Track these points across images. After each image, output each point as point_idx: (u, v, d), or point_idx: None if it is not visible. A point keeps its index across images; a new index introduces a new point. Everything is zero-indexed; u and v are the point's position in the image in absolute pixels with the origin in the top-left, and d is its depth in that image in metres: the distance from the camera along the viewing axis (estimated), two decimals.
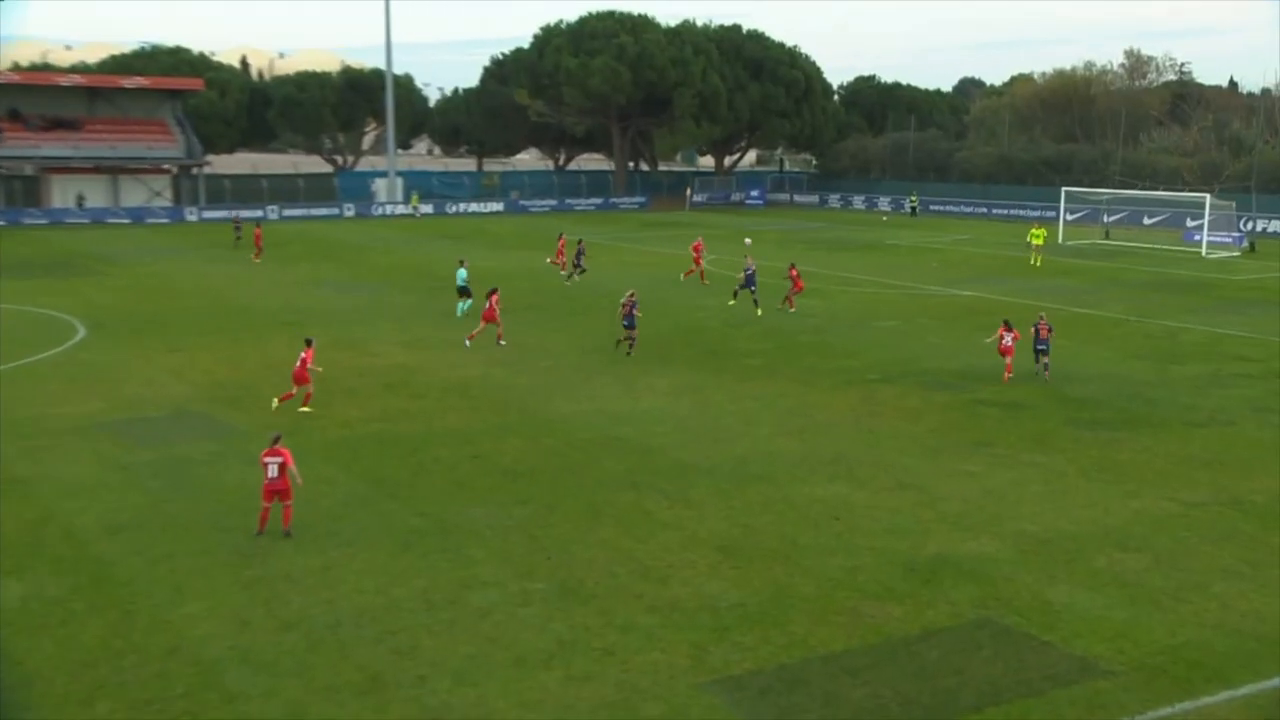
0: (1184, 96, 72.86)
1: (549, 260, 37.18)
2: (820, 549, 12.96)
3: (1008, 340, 21.89)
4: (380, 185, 67.10)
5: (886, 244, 49.87)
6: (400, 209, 64.33)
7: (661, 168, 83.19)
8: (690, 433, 17.75)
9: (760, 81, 75.32)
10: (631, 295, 23.38)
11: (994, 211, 68.79)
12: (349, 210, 63.04)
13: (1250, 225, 53.43)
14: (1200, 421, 18.41)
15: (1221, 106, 70.08)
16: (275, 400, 18.38)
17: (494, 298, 23.46)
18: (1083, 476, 15.60)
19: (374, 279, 34.92)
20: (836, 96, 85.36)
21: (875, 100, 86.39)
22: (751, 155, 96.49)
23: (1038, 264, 40.41)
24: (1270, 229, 54.63)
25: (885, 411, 19.28)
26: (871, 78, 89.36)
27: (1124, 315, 29.76)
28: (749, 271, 29.29)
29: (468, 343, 23.38)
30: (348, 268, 38.02)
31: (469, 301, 27.60)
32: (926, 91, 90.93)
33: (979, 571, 12.28)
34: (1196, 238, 49.46)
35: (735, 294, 30.14)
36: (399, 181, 66.75)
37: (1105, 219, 56.08)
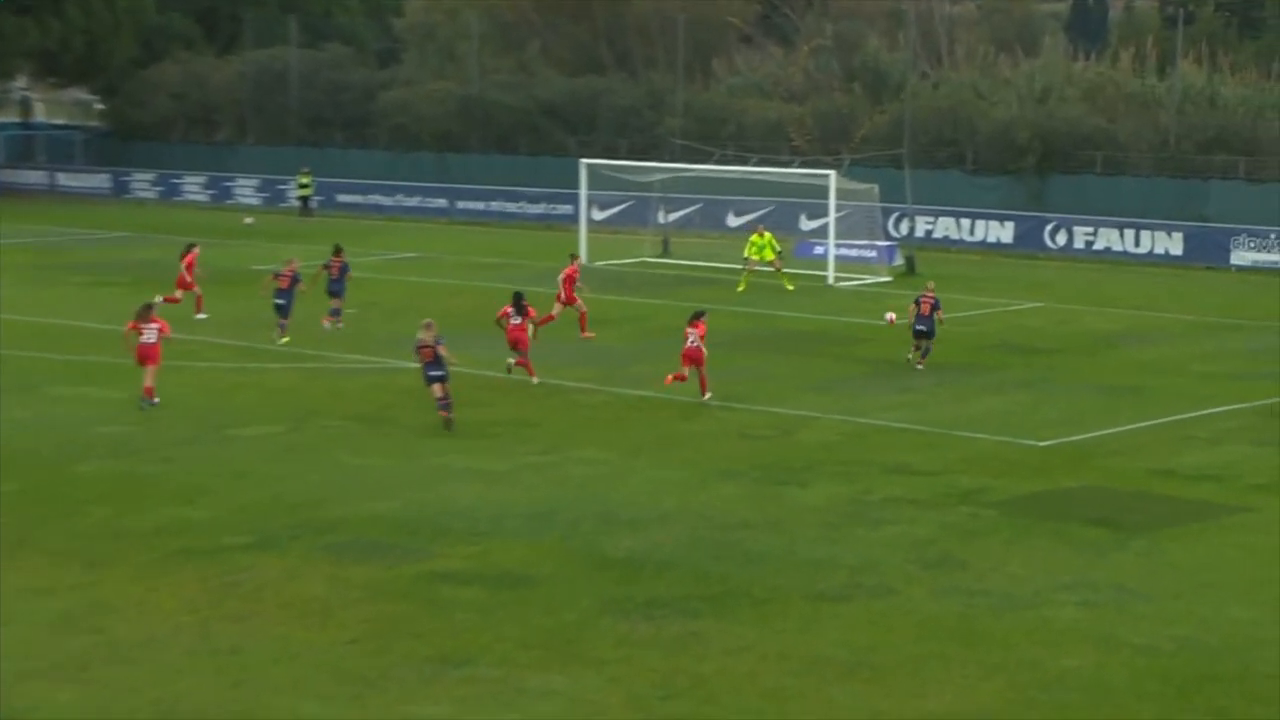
0: None
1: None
2: None
3: (694, 337, 32.20)
4: None
5: (250, 269, 51.06)
6: None
7: None
8: None
9: None
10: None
11: (459, 205, 73.53)
12: None
13: (906, 225, 62.52)
14: (836, 592, 20.72)
15: (845, 13, 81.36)
16: None
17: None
18: (636, 709, 16.95)
19: None
20: None
21: None
22: None
23: (743, 288, 49.24)
24: (936, 233, 64.02)
25: (262, 609, 19.52)
26: None
27: (697, 398, 33.25)
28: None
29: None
30: None
31: None
32: None
33: None
34: (819, 250, 56.81)
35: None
36: None
37: (662, 217, 62.33)
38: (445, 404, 29.87)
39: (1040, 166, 64.70)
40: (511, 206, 71.90)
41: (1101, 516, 24.47)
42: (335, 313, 41.15)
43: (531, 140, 75.56)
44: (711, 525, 23.58)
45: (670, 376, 32.49)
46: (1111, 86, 69.09)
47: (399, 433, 29.46)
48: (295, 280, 39.72)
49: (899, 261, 56.72)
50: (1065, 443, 29.67)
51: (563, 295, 40.63)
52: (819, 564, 21.79)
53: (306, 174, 73.52)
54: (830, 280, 52.29)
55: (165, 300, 39.63)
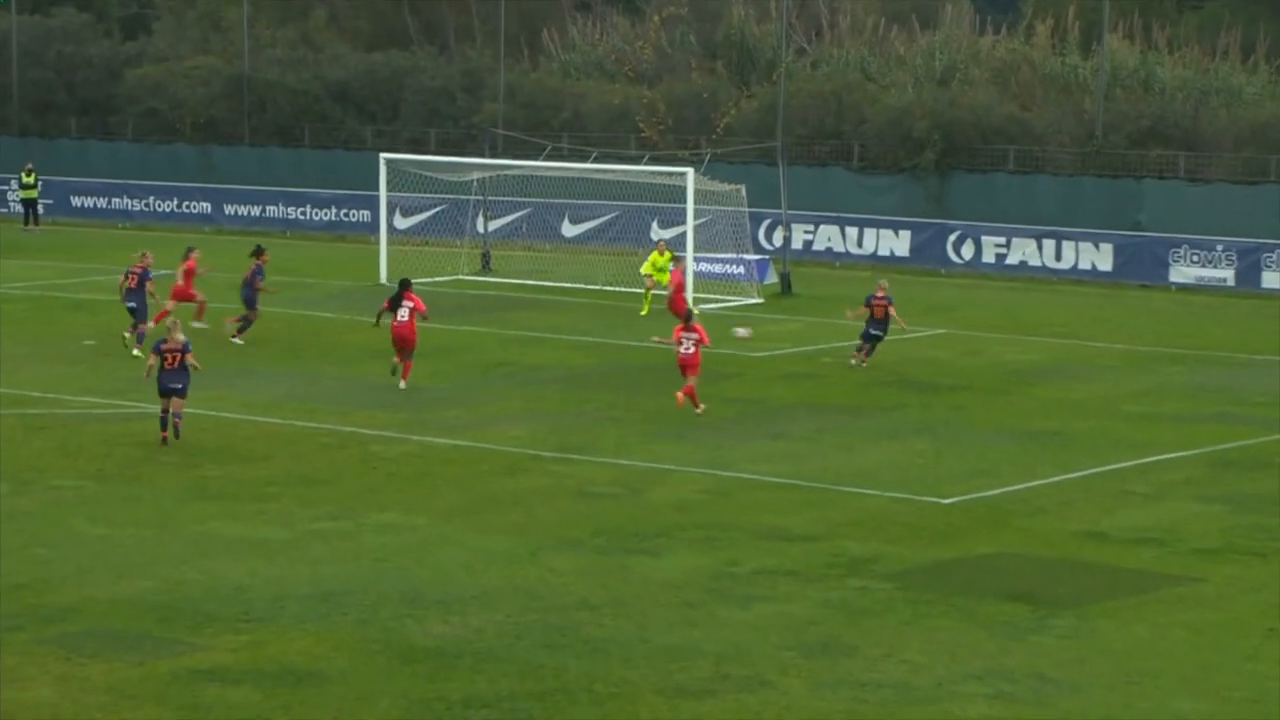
0: None
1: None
2: None
3: (687, 344, 35.48)
4: None
5: None
6: None
7: None
8: None
9: None
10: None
11: (228, 210, 72.57)
12: None
13: (780, 235, 62.16)
14: (697, 686, 20.61)
15: None
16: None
17: None
18: None
19: None
20: None
21: None
22: None
23: (646, 311, 50.20)
24: (817, 244, 64.19)
25: None
26: None
27: (525, 449, 33.19)
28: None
29: None
30: None
31: None
32: None
33: None
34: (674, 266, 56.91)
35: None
36: None
37: (481, 225, 62.10)
38: (178, 421, 32.26)
39: (942, 163, 65.08)
40: (293, 212, 71.22)
41: (1018, 590, 24.64)
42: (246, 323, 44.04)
43: (318, 130, 75.10)
44: (543, 606, 23.47)
45: (681, 394, 35.72)
46: (1026, 66, 69.96)
47: (151, 494, 29.05)
48: (145, 278, 41.80)
49: (772, 279, 56.97)
50: (975, 500, 29.93)
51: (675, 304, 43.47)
52: (676, 652, 21.75)
53: (31, 172, 72.27)
54: (692, 304, 52.27)
55: (154, 321, 42.27)
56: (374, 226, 59.54)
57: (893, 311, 41.05)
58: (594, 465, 31.88)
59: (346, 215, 69.29)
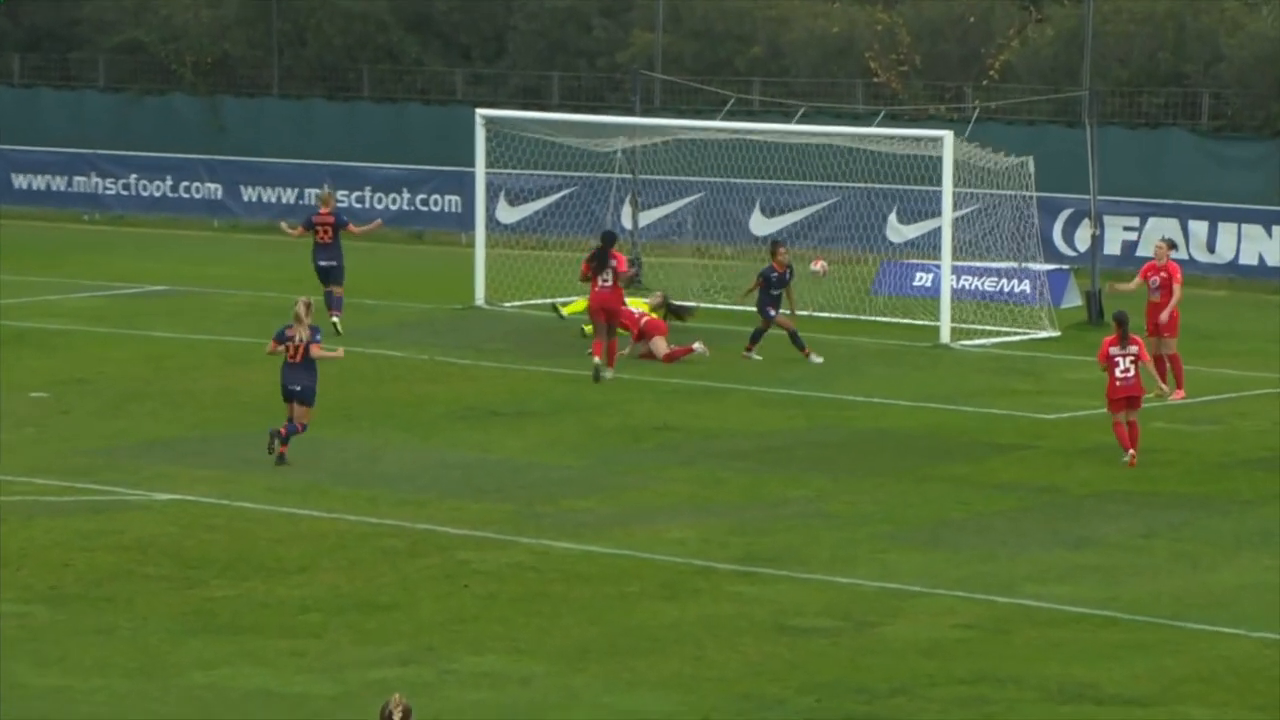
0: None
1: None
2: None
3: (1125, 365, 38.84)
4: None
5: None
6: None
7: None
8: None
9: None
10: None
11: (247, 195, 72.89)
12: None
13: (1087, 233, 61.76)
14: None
15: None
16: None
17: None
18: None
19: None
20: None
21: None
22: None
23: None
24: (1144, 249, 61.91)
25: None
26: None
27: (695, 558, 33.31)
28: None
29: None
30: None
31: None
32: None
33: None
34: (924, 280, 57.24)
35: None
36: None
37: (626, 220, 62.28)
38: (292, 431, 35.81)
39: None
40: (345, 197, 71.37)
41: None
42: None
43: (384, 75, 75.82)
44: None
45: (1130, 453, 39.23)
46: None
47: (129, 625, 29.29)
48: (340, 224, 46.75)
49: (1074, 300, 56.81)
50: None
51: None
52: None
53: None
54: (944, 337, 52.64)
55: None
56: (466, 220, 60.02)
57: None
58: (799, 584, 32.00)
59: (424, 203, 69.79)
